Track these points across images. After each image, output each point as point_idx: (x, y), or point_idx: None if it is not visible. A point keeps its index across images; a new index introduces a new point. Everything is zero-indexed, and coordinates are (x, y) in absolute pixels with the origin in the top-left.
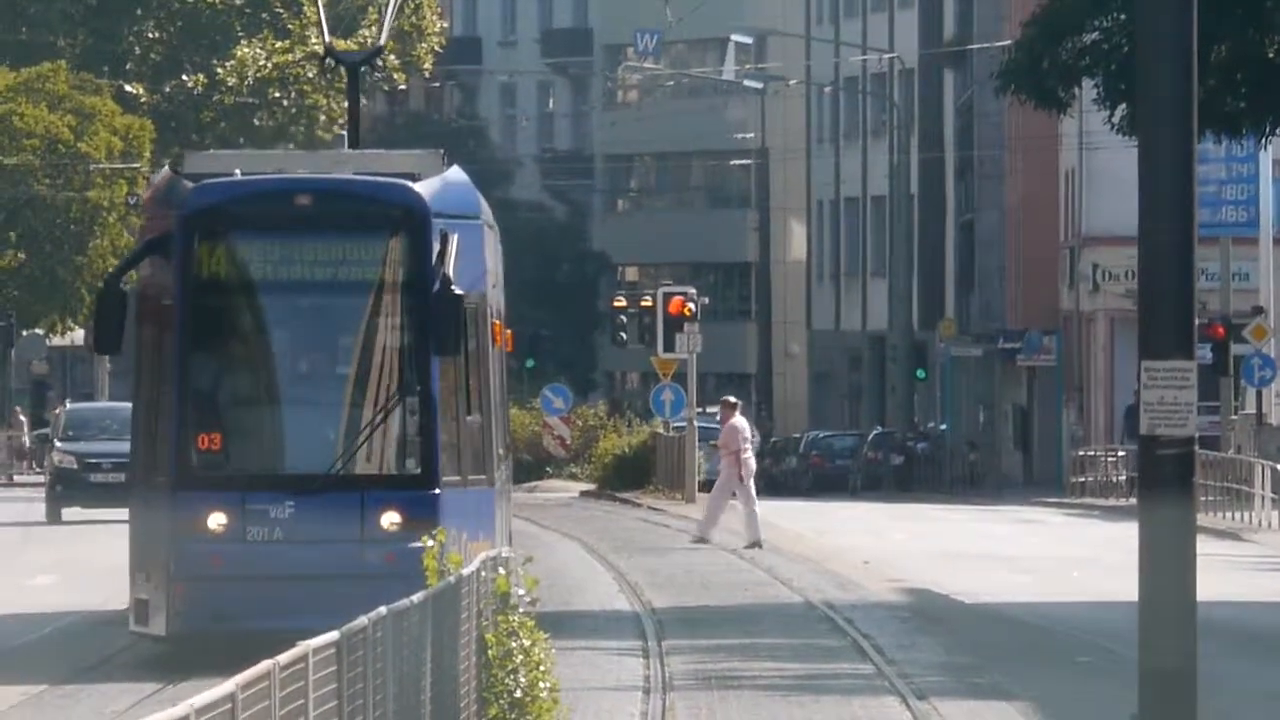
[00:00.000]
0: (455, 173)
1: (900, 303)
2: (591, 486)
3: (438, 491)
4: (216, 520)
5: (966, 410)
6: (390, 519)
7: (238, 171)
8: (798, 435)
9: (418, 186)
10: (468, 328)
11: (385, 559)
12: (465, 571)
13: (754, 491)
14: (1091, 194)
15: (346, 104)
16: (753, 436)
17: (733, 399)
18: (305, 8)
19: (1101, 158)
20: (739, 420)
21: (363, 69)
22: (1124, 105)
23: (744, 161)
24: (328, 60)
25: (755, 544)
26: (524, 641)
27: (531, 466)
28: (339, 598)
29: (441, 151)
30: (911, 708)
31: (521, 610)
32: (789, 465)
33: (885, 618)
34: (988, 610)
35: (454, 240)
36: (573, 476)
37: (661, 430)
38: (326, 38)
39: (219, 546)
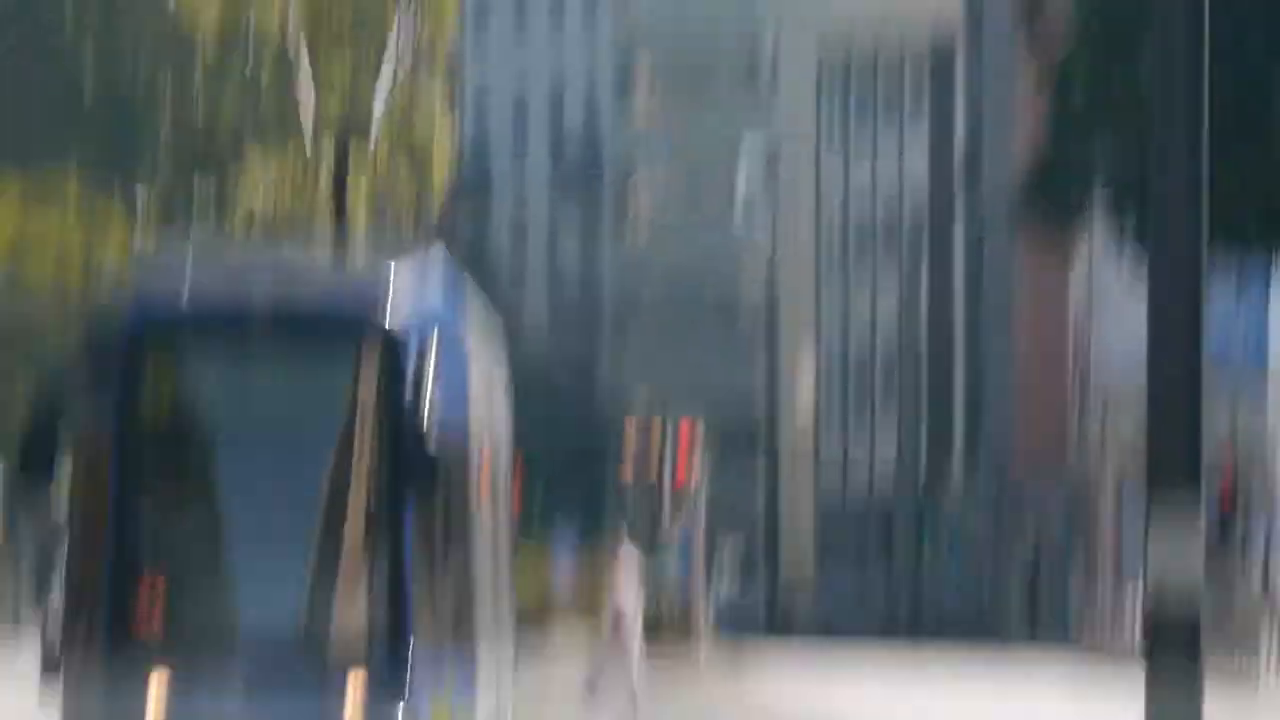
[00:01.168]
0: (440, 275)
1: (910, 449)
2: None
3: (409, 662)
4: (157, 682)
5: (975, 558)
6: (356, 690)
7: (184, 282)
8: (805, 574)
9: (394, 298)
10: (451, 462)
11: None
12: None
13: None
14: (1100, 342)
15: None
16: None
17: (625, 536)
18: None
19: (1110, 306)
20: (629, 556)
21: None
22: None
23: (755, 300)
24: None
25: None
26: None
27: (536, 613)
28: None
29: (434, 249)
30: None
31: None
32: (797, 605)
33: None
34: None
35: (434, 358)
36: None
37: (673, 586)
38: (313, 110)
39: None
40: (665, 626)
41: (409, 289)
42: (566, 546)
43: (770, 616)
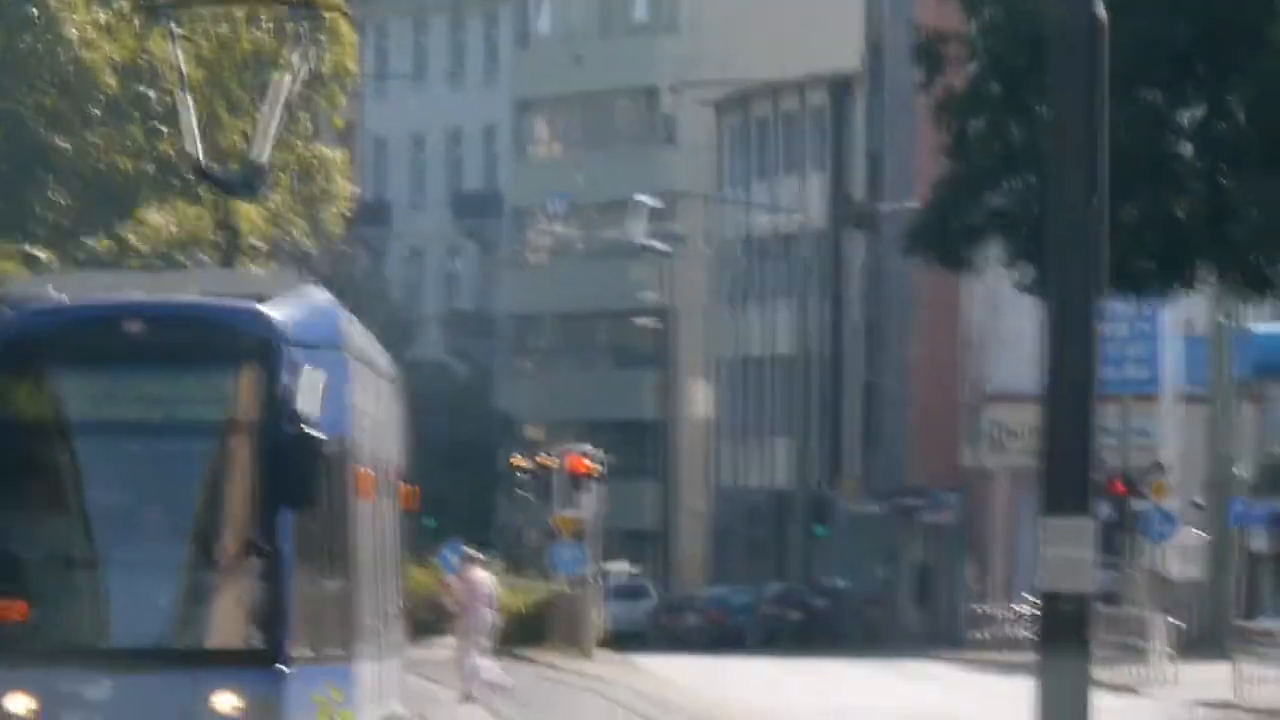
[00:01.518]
0: (315, 295)
1: (803, 460)
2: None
3: (284, 669)
4: (19, 705)
5: (867, 566)
6: (226, 702)
7: (60, 296)
8: (697, 592)
9: (267, 309)
10: (328, 476)
11: None
12: None
13: (484, 646)
14: (992, 353)
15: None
16: (492, 594)
17: (472, 553)
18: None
19: (1004, 317)
20: (478, 574)
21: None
22: (1031, 267)
23: (648, 321)
24: (198, 181)
25: (468, 697)
26: None
27: (431, 624)
28: None
29: (302, 272)
30: None
31: None
32: (687, 621)
33: None
34: None
35: (308, 374)
36: None
37: (565, 588)
38: (199, 153)
39: None
40: (558, 640)
41: (282, 311)
42: (456, 564)
43: (661, 633)
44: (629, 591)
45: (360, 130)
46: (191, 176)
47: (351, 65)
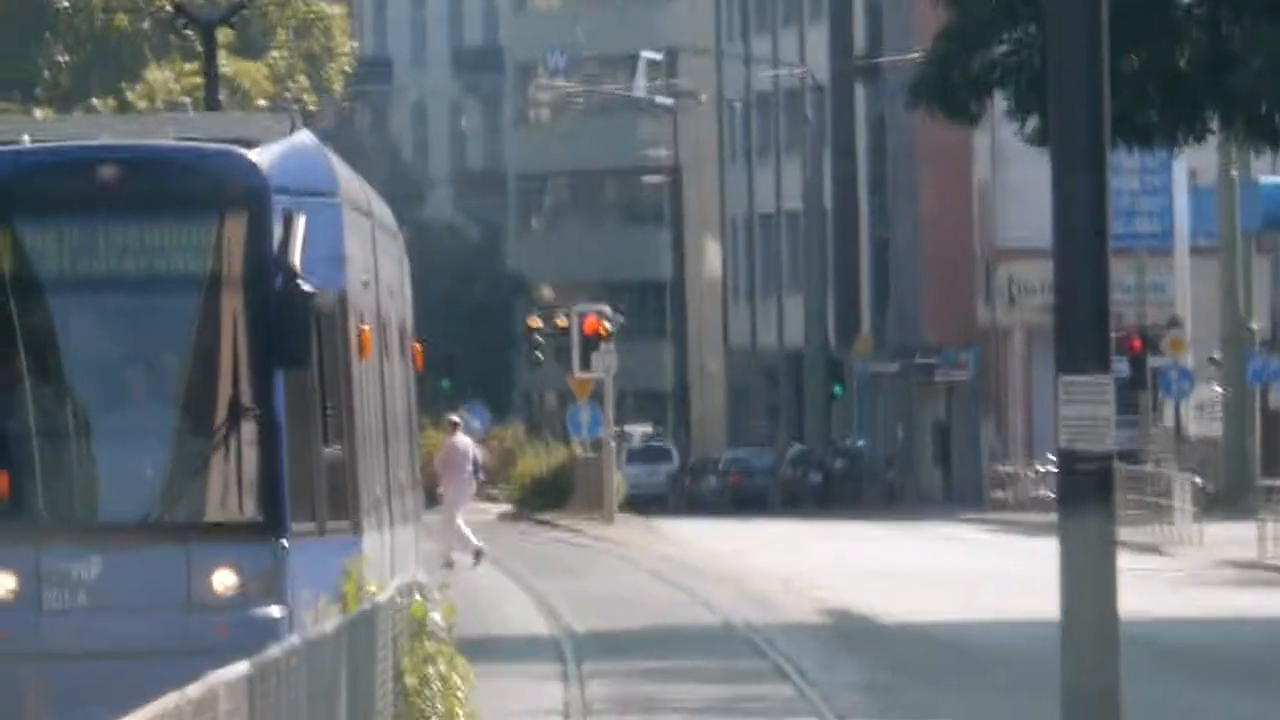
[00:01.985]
0: (304, 138)
1: (816, 319)
2: (510, 508)
3: (284, 543)
4: (1, 584)
5: (885, 427)
6: (223, 580)
7: (26, 138)
8: (716, 454)
9: (253, 154)
10: (323, 333)
11: (217, 630)
12: (381, 599)
13: (457, 511)
14: (1005, 207)
15: (204, 71)
16: (479, 457)
17: (455, 419)
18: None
19: (1015, 170)
20: (460, 439)
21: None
22: (1035, 117)
23: (658, 179)
24: (179, 20)
25: (448, 563)
26: (441, 669)
27: None
28: (159, 680)
29: (293, 111)
30: None
31: (439, 637)
32: (708, 484)
33: (806, 639)
34: (907, 630)
35: (300, 222)
36: (490, 498)
37: (579, 451)
38: None
39: (4, 616)
40: (579, 504)
41: (269, 155)
42: (475, 427)
43: (682, 496)
44: (649, 454)
45: None
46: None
47: None
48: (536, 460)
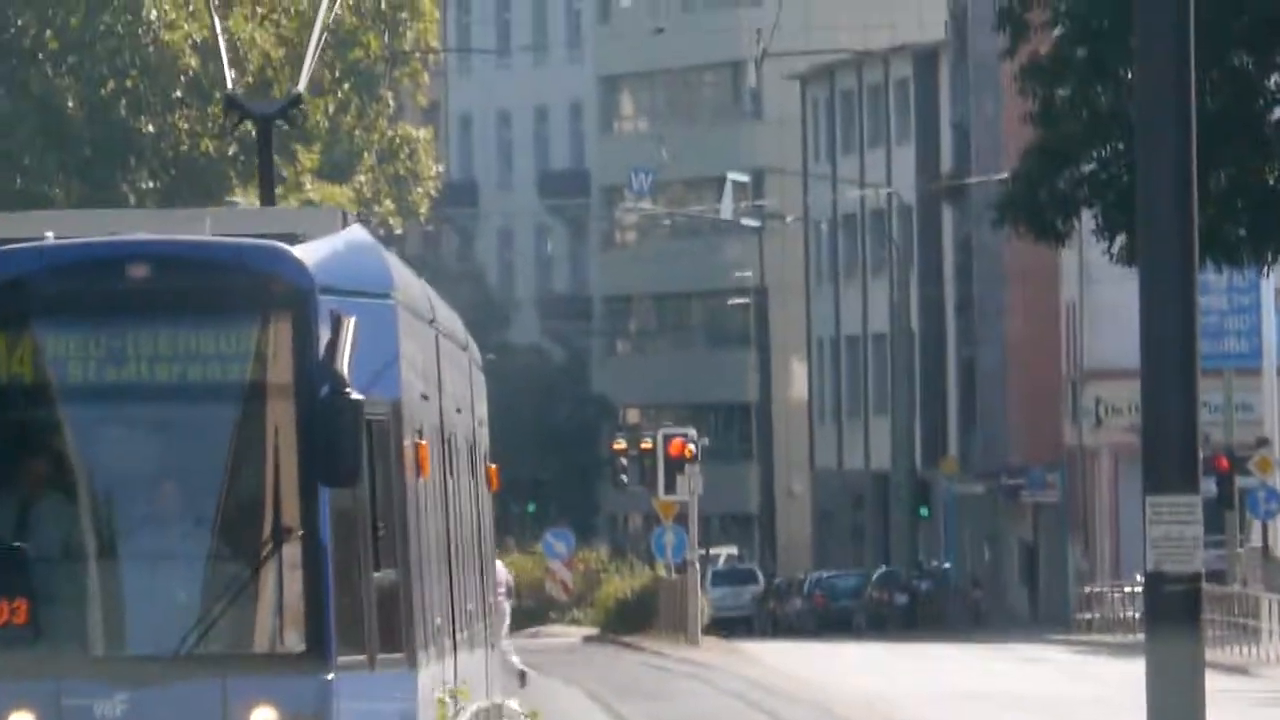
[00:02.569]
0: (357, 233)
1: (903, 441)
2: (594, 631)
3: (330, 676)
4: None
5: (971, 548)
6: (264, 717)
7: (49, 235)
8: (801, 576)
9: (298, 250)
10: (375, 447)
11: None
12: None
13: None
14: (1092, 327)
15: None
16: (509, 582)
17: None
18: (299, 155)
19: (1102, 290)
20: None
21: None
22: (1123, 236)
23: (743, 301)
24: (230, 114)
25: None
26: None
27: (534, 611)
28: None
29: (341, 212)
30: None
31: None
32: (793, 606)
33: None
34: None
35: (350, 324)
36: (575, 621)
37: (664, 573)
38: (229, 84)
39: None
40: (663, 627)
41: (316, 252)
42: (560, 550)
43: (767, 618)
44: (734, 576)
45: (445, 109)
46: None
47: (434, 41)
48: (621, 583)
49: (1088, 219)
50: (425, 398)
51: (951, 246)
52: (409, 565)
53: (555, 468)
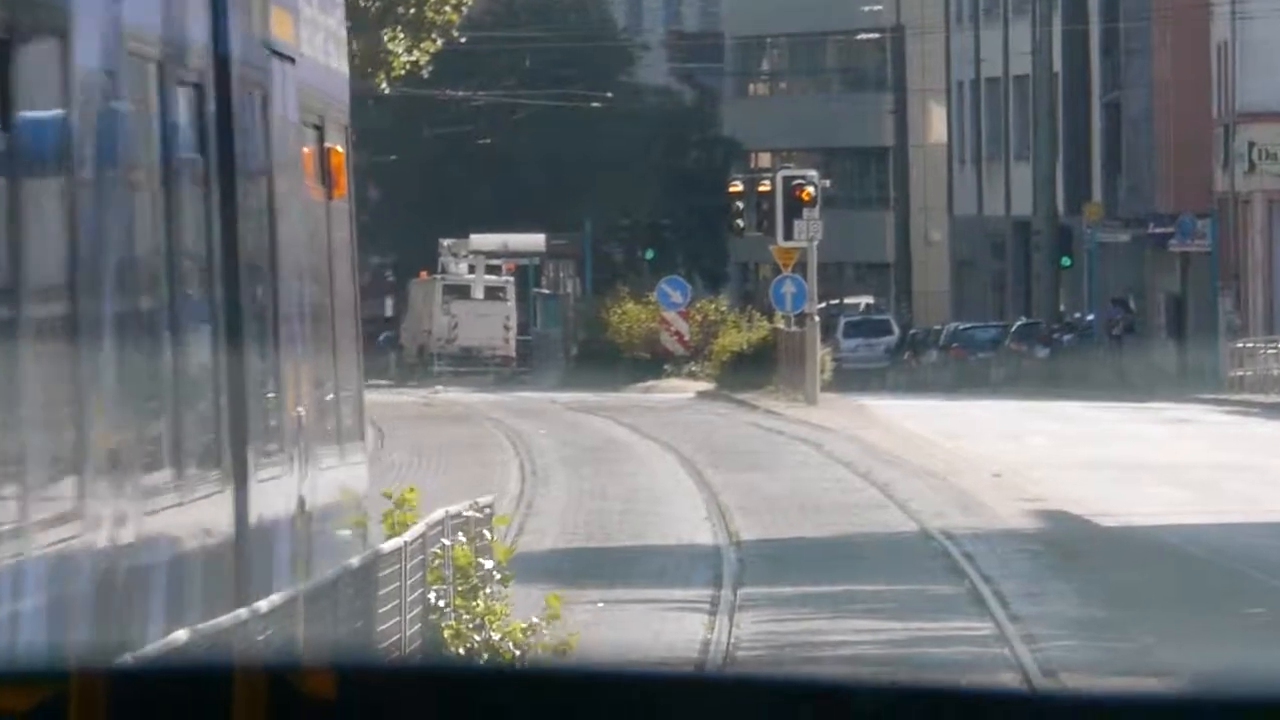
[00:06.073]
0: None
1: (1044, 186)
2: (709, 386)
3: None
4: None
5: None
6: None
7: None
8: (938, 327)
9: None
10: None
11: None
12: (387, 546)
13: None
14: (1245, 67)
15: None
16: None
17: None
18: None
19: (1256, 28)
20: None
21: None
22: None
23: (876, 36)
24: None
25: None
26: (492, 635)
27: (648, 365)
28: None
29: None
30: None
31: (490, 590)
32: (929, 359)
33: (1012, 552)
34: (1132, 537)
35: None
36: (691, 375)
37: (783, 325)
38: None
39: None
40: (781, 383)
41: None
42: (676, 299)
43: (902, 371)
44: (868, 327)
45: None
46: None
47: None
48: (738, 335)
49: None
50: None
51: None
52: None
53: (682, 212)
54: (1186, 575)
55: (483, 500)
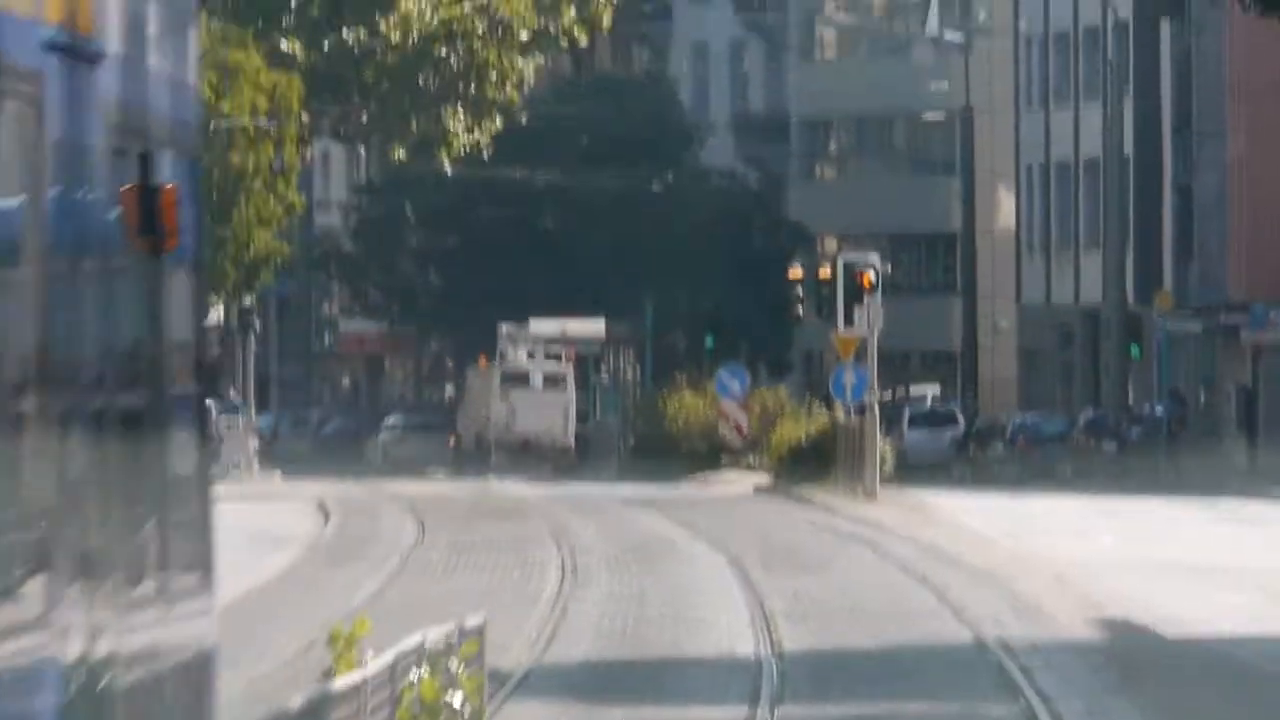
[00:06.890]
0: None
1: (1114, 274)
2: (768, 480)
3: None
4: None
5: (1186, 391)
6: None
7: None
8: (1004, 418)
9: None
10: None
11: None
12: (339, 685)
13: None
14: None
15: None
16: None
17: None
18: None
19: None
20: None
21: None
22: None
23: (942, 116)
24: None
25: None
26: None
27: (706, 456)
28: None
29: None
30: None
31: None
32: (995, 451)
33: (1073, 665)
34: (1200, 650)
35: None
36: (749, 467)
37: (842, 416)
38: None
39: None
40: (840, 477)
41: None
42: (734, 389)
43: (967, 464)
44: (933, 418)
45: None
46: None
47: None
48: (796, 427)
49: None
50: None
51: (1169, 63)
52: None
53: (745, 299)
54: (1256, 696)
55: (470, 622)
